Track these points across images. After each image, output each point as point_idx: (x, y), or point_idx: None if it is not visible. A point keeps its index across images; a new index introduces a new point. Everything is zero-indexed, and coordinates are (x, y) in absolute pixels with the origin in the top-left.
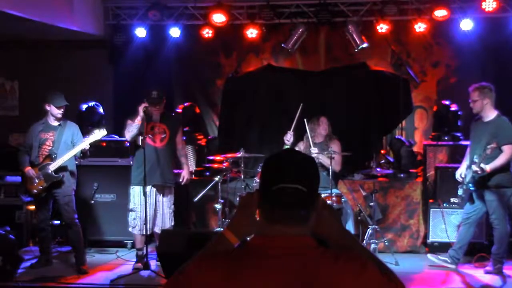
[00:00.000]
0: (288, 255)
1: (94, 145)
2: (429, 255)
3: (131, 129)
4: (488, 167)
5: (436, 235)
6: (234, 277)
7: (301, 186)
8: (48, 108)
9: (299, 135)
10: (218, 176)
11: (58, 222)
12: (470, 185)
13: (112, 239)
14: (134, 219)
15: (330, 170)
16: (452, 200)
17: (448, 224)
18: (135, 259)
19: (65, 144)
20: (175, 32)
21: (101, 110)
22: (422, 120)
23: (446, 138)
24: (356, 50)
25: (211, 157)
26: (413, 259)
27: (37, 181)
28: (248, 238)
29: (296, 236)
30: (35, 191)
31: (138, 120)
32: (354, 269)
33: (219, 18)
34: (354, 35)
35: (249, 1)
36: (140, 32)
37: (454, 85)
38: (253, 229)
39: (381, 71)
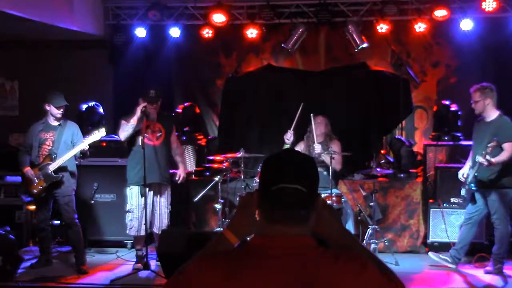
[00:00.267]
0: (288, 255)
1: (94, 145)
2: (430, 253)
3: (126, 129)
4: (493, 159)
5: (436, 235)
6: (234, 277)
7: (301, 186)
8: (47, 108)
9: (299, 135)
10: (218, 176)
11: (58, 222)
12: (472, 185)
13: (112, 239)
14: (131, 220)
15: (330, 170)
16: (452, 200)
17: (448, 224)
18: (135, 259)
19: (65, 144)
20: (175, 32)
21: (101, 110)
22: (422, 120)
23: (446, 138)
24: (356, 50)
25: (211, 157)
26: (413, 259)
27: (36, 181)
28: (248, 238)
29: (296, 236)
30: (35, 191)
31: (134, 120)
32: (354, 269)
33: (219, 18)
34: (354, 35)
35: (249, 1)
36: (140, 32)
37: (454, 85)
38: (253, 229)
39: (381, 71)
